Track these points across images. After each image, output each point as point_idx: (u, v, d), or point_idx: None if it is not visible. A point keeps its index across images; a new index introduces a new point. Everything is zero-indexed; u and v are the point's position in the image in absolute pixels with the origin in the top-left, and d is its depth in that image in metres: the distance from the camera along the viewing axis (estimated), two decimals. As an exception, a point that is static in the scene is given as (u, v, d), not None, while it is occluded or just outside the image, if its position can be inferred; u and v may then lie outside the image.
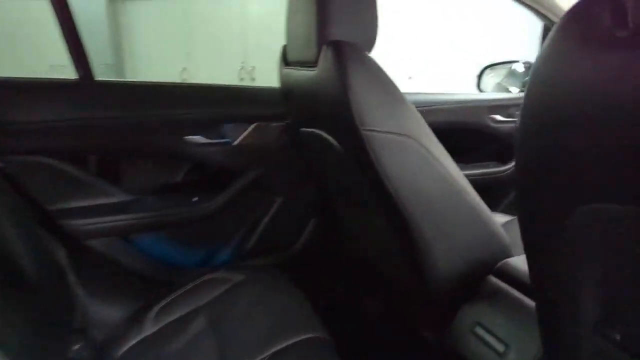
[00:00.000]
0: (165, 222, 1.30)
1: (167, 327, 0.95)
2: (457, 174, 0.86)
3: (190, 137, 1.28)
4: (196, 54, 6.16)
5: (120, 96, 1.23)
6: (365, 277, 1.41)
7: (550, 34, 0.43)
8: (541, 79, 0.44)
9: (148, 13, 6.13)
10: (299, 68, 1.00)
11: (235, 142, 1.32)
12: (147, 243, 1.33)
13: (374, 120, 0.78)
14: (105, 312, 1.14)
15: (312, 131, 1.04)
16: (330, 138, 0.94)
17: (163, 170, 1.37)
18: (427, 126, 0.84)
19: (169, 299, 1.02)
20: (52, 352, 0.92)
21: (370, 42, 0.87)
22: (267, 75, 1.29)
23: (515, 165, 0.51)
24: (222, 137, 1.32)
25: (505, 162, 1.61)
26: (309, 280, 1.16)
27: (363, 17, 0.86)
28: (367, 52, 0.84)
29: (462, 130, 1.53)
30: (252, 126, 1.33)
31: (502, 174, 1.59)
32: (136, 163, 1.35)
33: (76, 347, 1.01)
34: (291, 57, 1.05)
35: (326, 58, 0.83)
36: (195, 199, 1.34)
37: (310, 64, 0.91)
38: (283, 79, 1.14)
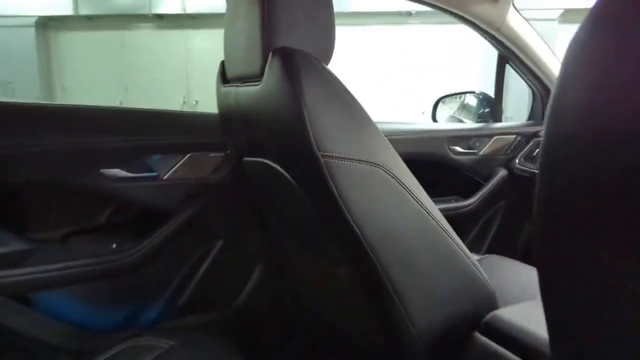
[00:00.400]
0: (74, 275, 1.05)
1: None
2: (435, 211, 0.71)
3: (108, 170, 1.06)
4: (135, 87, 5.87)
5: (20, 121, 1.00)
6: (322, 336, 1.21)
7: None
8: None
9: (83, 45, 5.81)
10: (239, 85, 0.83)
11: (165, 176, 1.12)
12: (50, 303, 1.06)
13: (336, 144, 0.63)
14: None
15: (256, 160, 0.87)
16: (279, 168, 0.77)
17: (72, 211, 1.13)
18: (396, 154, 0.70)
19: None
20: None
21: (327, 53, 0.73)
22: (212, 110, 1.12)
23: (541, 206, 0.36)
24: (149, 170, 1.11)
25: (467, 197, 1.51)
26: (254, 341, 0.95)
27: (318, 24, 0.72)
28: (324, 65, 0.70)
29: (422, 162, 1.42)
30: (185, 157, 1.13)
31: (464, 210, 1.48)
32: (34, 203, 1.10)
33: None
34: (230, 72, 0.88)
35: (273, 68, 0.67)
36: (114, 245, 1.10)
37: (254, 78, 0.75)
38: (221, 100, 0.97)
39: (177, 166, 1.13)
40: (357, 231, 0.66)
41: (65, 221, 1.12)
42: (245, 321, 1.24)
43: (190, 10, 5.05)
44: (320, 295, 1.04)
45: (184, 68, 5.22)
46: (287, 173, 0.76)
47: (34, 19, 5.32)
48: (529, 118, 1.62)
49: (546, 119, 0.35)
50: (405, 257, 0.70)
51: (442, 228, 0.72)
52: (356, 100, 0.68)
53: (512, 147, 1.52)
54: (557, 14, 5.48)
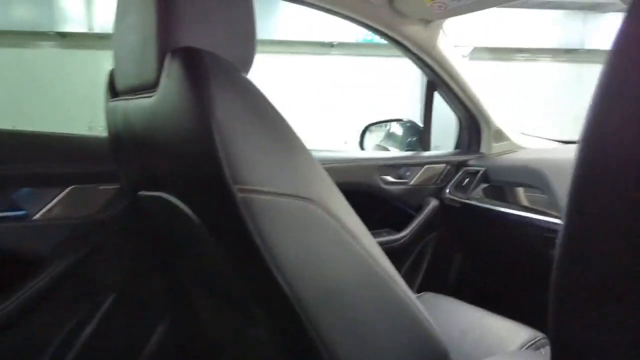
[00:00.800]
0: None
1: None
2: (381, 256, 0.57)
3: None
4: (32, 112, 5.26)
5: None
6: None
7: None
8: None
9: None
10: (129, 97, 0.65)
11: (36, 216, 0.88)
12: None
13: (257, 175, 0.48)
14: None
15: (153, 195, 0.68)
16: (180, 204, 0.59)
17: None
18: (335, 186, 0.56)
19: None
20: None
21: (245, 62, 0.58)
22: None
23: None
24: (17, 209, 0.87)
25: (398, 229, 1.41)
26: None
27: (234, 24, 0.57)
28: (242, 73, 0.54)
29: (350, 192, 1.30)
30: (66, 191, 0.90)
31: (397, 243, 1.38)
32: None
33: None
34: (120, 82, 0.70)
35: (172, 73, 0.51)
36: None
37: (148, 88, 0.57)
38: (110, 118, 0.77)
39: (53, 202, 0.89)
40: (285, 286, 0.50)
41: None
42: None
43: (98, 29, 4.68)
44: (234, 358, 0.85)
45: (89, 90, 4.80)
46: (191, 211, 0.58)
47: None
48: (456, 146, 1.58)
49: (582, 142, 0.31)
50: (345, 316, 0.55)
51: (389, 277, 0.58)
52: (283, 118, 0.53)
53: (442, 176, 1.46)
54: (468, 50, 5.87)
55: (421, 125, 1.60)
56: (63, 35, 4.87)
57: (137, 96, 0.62)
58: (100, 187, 0.94)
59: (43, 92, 5.11)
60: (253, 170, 0.48)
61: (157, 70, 0.54)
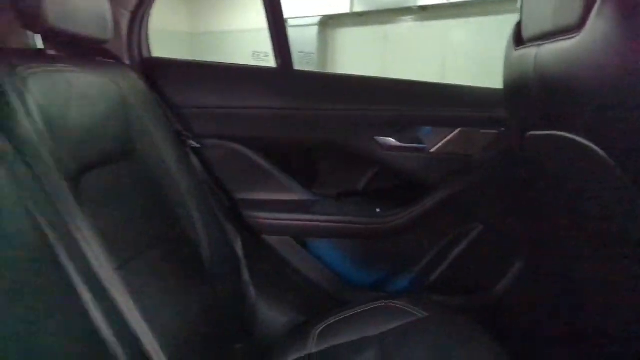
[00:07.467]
0: (343, 230, 1.16)
1: (332, 349, 0.82)
2: None
3: (381, 137, 1.12)
4: (392, 77, 6.21)
5: (316, 87, 1.15)
6: (591, 345, 1.01)
7: None
8: None
9: (352, 39, 6.47)
10: (543, 42, 0.73)
11: (433, 149, 1.11)
12: (321, 250, 1.21)
13: None
14: (271, 316, 1.08)
15: (550, 134, 0.75)
16: (588, 142, 0.63)
17: (346, 172, 1.24)
18: None
19: (337, 318, 0.89)
20: (216, 342, 0.88)
21: None
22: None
23: None
24: (418, 142, 1.13)
25: None
26: (514, 334, 0.86)
27: None
28: None
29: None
30: (456, 131, 1.10)
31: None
32: (318, 161, 1.25)
33: (239, 345, 0.99)
34: (530, 30, 0.78)
35: (604, 12, 0.55)
36: (378, 210, 1.17)
37: (570, 29, 0.62)
38: (512, 66, 0.88)
39: (445, 140, 1.11)
40: None
41: (340, 181, 1.24)
42: (499, 316, 1.14)
43: (455, -1, 4.98)
44: (608, 301, 0.86)
45: (441, 59, 5.22)
46: (601, 150, 0.61)
47: (317, 19, 6.20)
48: None
49: None
50: None
51: None
52: None
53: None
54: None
55: None
56: (423, 9, 5.42)
57: (551, 40, 0.69)
58: (482, 131, 1.09)
59: (401, 60, 5.83)
60: None
61: (582, 12, 0.59)
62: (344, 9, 5.87)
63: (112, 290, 0.59)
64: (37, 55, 0.71)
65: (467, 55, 4.65)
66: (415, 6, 5.51)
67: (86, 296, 0.55)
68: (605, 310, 0.87)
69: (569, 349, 1.06)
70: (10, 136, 0.56)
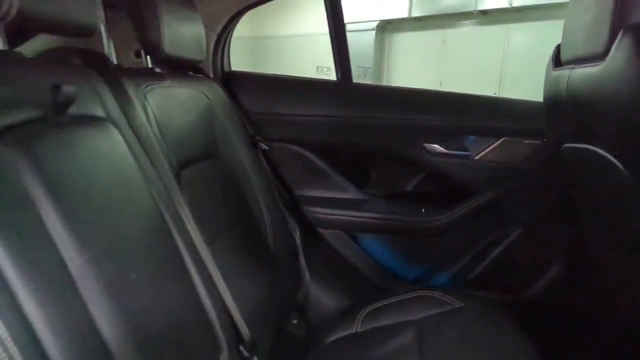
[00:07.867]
0: (390, 227, 1.29)
1: (374, 330, 0.92)
2: None
3: (429, 144, 1.23)
4: (449, 81, 6.19)
5: (372, 98, 1.29)
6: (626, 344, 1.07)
7: None
8: None
9: (409, 43, 6.51)
10: (574, 66, 0.82)
11: (477, 157, 1.21)
12: (369, 244, 1.34)
13: None
14: (323, 298, 1.23)
15: (580, 147, 0.84)
16: (607, 155, 0.72)
17: (396, 175, 1.37)
18: None
19: (380, 304, 1.00)
20: (275, 316, 1.01)
21: None
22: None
23: None
24: (463, 150, 1.23)
25: None
26: (547, 333, 0.94)
27: None
28: None
29: None
30: (499, 141, 1.19)
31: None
32: (371, 164, 1.38)
33: (294, 321, 1.13)
34: (567, 55, 0.88)
35: (622, 46, 0.64)
36: (422, 210, 1.28)
37: (595, 58, 0.72)
38: (550, 84, 0.97)
39: (489, 148, 1.20)
40: None
41: (389, 182, 1.37)
42: (535, 315, 1.21)
43: (517, 3, 4.90)
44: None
45: (499, 63, 5.14)
46: (618, 161, 0.71)
47: (375, 23, 6.29)
48: None
49: None
50: None
51: None
52: None
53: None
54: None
55: None
56: (484, 13, 5.37)
57: (582, 65, 0.79)
58: (525, 142, 1.18)
59: (459, 64, 5.77)
60: None
61: (607, 44, 0.67)
62: (402, 13, 5.94)
63: (207, 262, 0.76)
64: (151, 74, 0.90)
65: (527, 59, 4.57)
66: (475, 10, 5.47)
67: (190, 266, 0.70)
68: (638, 317, 0.94)
69: (599, 353, 1.13)
70: (137, 135, 0.74)
